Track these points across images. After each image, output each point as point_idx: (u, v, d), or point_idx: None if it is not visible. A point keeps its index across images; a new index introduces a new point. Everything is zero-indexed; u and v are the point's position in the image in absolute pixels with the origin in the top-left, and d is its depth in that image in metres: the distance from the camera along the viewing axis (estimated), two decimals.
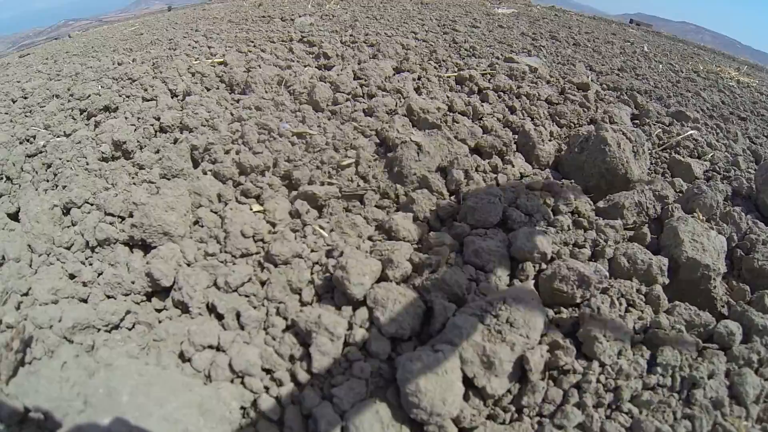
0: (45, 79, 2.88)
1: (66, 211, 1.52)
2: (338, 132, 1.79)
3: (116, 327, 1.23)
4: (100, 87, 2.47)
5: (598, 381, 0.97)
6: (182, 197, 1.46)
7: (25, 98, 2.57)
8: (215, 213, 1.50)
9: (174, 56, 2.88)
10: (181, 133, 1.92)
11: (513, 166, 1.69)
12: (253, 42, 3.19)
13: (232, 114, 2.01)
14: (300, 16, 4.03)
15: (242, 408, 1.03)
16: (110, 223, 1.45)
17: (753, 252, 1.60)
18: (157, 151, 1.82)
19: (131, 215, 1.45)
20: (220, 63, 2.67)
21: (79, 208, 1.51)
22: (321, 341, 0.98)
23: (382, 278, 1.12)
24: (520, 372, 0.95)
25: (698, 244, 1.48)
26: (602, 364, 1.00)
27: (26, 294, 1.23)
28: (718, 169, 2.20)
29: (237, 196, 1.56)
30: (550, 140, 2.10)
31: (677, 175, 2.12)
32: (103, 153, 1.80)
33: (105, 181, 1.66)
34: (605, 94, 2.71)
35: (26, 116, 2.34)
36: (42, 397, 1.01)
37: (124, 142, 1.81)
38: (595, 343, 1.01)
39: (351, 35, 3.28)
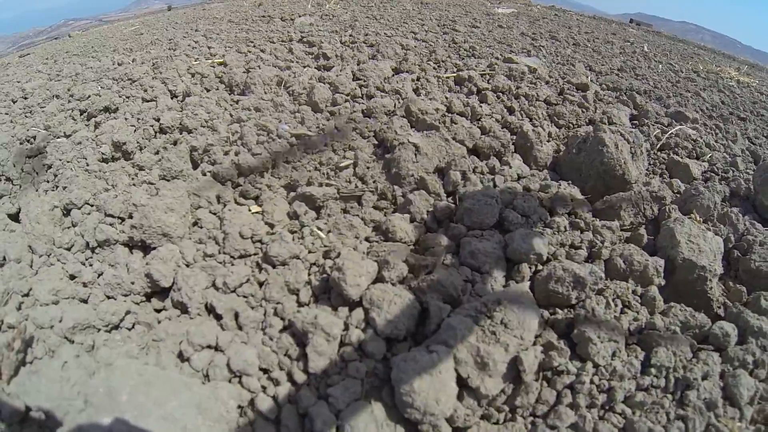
0: (45, 80, 2.89)
1: (66, 212, 1.54)
2: (336, 133, 1.79)
3: (116, 327, 1.25)
4: (100, 87, 2.48)
5: (591, 382, 0.98)
6: (181, 198, 1.47)
7: (26, 98, 2.58)
8: (214, 214, 1.51)
9: (174, 56, 2.89)
10: (181, 134, 1.93)
11: (510, 167, 1.69)
12: (252, 42, 3.20)
13: (231, 115, 2.02)
14: (300, 16, 4.03)
15: (240, 407, 1.04)
16: (110, 224, 1.46)
17: (750, 253, 1.60)
18: (157, 152, 1.83)
19: (131, 216, 1.46)
20: (220, 63, 2.68)
21: (79, 209, 1.53)
22: (317, 342, 0.99)
23: (379, 279, 1.13)
24: (515, 372, 0.96)
25: (694, 245, 1.49)
26: (596, 365, 1.01)
27: (27, 295, 1.24)
28: (716, 169, 2.20)
29: (236, 197, 1.57)
30: (548, 141, 2.11)
31: (675, 176, 2.12)
32: (103, 154, 1.81)
33: (105, 182, 1.67)
34: (604, 95, 2.70)
35: (26, 117, 2.35)
36: (43, 397, 1.02)
37: (124, 143, 1.82)
38: (589, 344, 1.02)
39: (351, 35, 3.28)
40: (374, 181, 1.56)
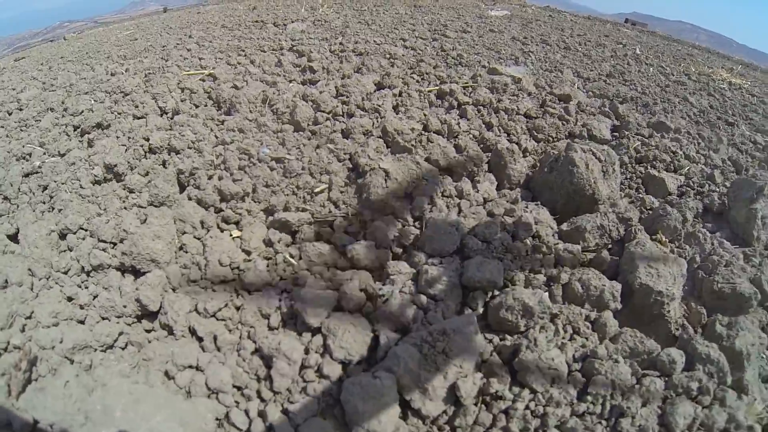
0: (39, 89, 2.96)
1: (62, 237, 1.66)
2: (314, 156, 1.88)
3: (111, 347, 1.39)
4: (93, 101, 2.57)
5: (527, 407, 1.08)
6: (168, 225, 1.58)
7: (20, 110, 2.65)
8: (198, 239, 1.62)
9: (166, 68, 2.97)
10: (169, 154, 2.03)
11: (478, 192, 1.76)
12: (243, 51, 3.25)
13: (216, 137, 2.11)
14: (292, 22, 4.04)
15: (217, 419, 1.18)
16: (103, 249, 1.59)
17: (714, 274, 1.62)
18: (146, 174, 1.94)
19: (122, 241, 1.58)
20: (210, 76, 2.75)
21: (74, 234, 1.65)
22: (280, 365, 1.12)
23: (338, 308, 1.24)
24: (456, 396, 1.07)
25: (653, 270, 1.52)
26: (533, 392, 1.11)
27: (30, 317, 1.38)
28: (692, 183, 2.21)
29: (218, 223, 1.68)
30: (524, 157, 2.16)
31: (650, 191, 2.15)
32: (95, 176, 1.92)
33: (98, 206, 1.79)
34: (587, 104, 2.71)
35: (22, 131, 2.43)
36: (49, 412, 1.17)
37: (115, 165, 1.93)
38: (527, 372, 1.11)
39: (340, 43, 3.31)
40: (346, 206, 1.65)
